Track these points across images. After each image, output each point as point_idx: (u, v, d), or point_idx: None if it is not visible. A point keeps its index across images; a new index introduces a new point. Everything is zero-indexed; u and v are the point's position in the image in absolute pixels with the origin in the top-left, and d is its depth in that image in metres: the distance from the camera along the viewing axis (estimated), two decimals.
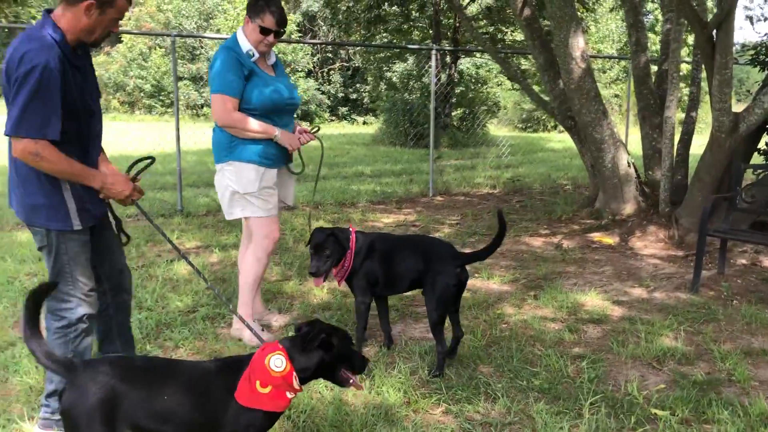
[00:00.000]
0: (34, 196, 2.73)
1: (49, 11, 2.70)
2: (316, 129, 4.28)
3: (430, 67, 10.22)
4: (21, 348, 3.83)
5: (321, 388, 3.34)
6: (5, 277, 5.17)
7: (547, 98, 8.53)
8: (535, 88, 11.86)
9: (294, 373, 2.40)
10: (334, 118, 31.43)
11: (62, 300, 2.83)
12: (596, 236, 6.88)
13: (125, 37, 30.58)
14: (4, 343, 3.94)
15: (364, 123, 29.71)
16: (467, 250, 4.33)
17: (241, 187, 3.87)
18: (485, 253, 3.78)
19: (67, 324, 2.86)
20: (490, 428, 3.03)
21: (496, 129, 25.50)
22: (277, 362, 2.38)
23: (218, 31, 26.55)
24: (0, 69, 2.73)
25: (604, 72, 27.45)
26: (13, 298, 4.74)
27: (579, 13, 20.18)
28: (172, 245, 3.17)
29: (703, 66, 6.79)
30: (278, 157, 3.99)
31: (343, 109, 32.02)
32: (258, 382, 2.33)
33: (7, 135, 2.60)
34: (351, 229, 3.78)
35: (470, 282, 5.25)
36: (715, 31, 5.93)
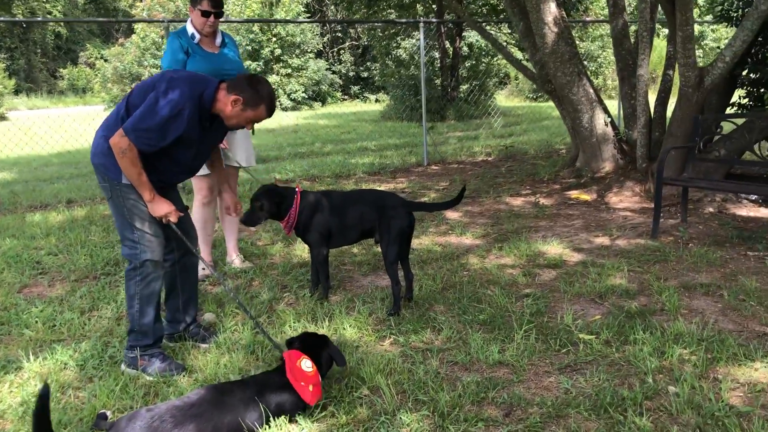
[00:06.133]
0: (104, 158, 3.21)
1: (222, 81, 3.22)
2: None
3: (430, 41, 10.46)
4: (24, 307, 4.29)
5: (288, 328, 3.74)
6: (15, 252, 5.64)
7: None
8: None
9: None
10: (346, 97, 31.72)
11: (128, 246, 3.30)
12: (574, 194, 7.16)
13: (137, 28, 31.06)
14: (10, 304, 4.39)
15: (376, 101, 29.93)
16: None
17: None
18: (432, 207, 4.20)
19: (133, 267, 3.32)
20: (429, 353, 3.39)
21: (506, 100, 25.61)
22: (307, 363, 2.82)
23: (227, 16, 26.83)
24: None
25: None
26: (20, 268, 5.20)
27: None
28: (246, 313, 3.55)
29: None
30: None
31: (355, 88, 32.27)
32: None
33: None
34: (297, 189, 4.12)
35: (443, 238, 5.64)
36: None
